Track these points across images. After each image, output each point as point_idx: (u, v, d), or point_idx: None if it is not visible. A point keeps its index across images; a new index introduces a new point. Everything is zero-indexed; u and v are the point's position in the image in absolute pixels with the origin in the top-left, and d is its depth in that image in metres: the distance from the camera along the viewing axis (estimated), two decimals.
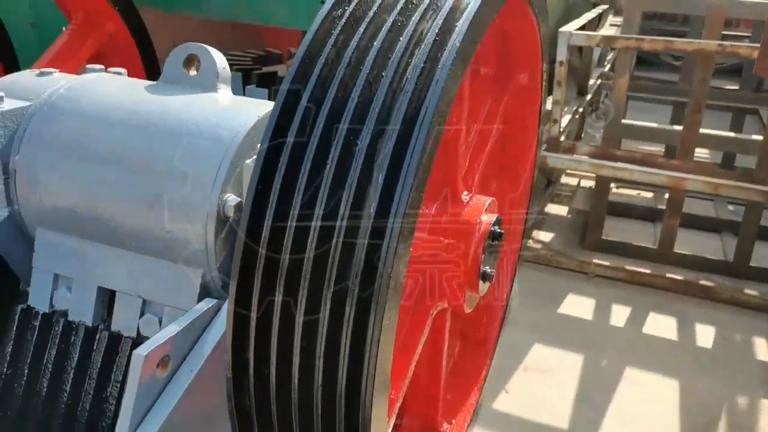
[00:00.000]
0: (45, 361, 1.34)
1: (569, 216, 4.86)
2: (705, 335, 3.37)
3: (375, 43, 0.87)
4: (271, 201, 0.84)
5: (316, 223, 0.80)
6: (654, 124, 4.35)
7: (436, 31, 0.87)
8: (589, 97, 5.41)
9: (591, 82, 5.55)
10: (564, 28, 3.81)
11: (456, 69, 0.84)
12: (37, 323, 1.37)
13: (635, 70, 7.07)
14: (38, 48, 2.50)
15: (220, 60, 1.40)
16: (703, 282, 3.74)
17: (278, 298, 0.87)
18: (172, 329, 1.09)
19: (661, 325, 3.44)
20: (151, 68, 1.91)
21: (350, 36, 0.89)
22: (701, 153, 5.42)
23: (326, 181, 0.81)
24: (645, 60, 8.13)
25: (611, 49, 5.52)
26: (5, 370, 1.36)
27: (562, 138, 4.18)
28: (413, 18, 0.89)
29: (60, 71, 1.50)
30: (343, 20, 0.90)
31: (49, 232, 1.37)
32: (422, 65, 0.84)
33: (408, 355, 1.15)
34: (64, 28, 2.07)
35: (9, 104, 1.37)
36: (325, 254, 0.80)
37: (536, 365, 3.07)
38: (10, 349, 1.36)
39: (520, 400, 2.81)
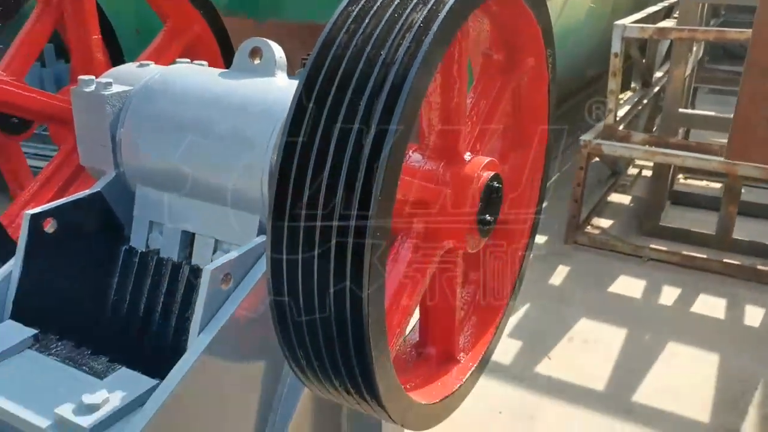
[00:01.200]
0: (143, 288, 1.70)
1: (631, 205, 4.95)
2: (753, 316, 3.44)
3: (376, 31, 1.15)
4: (297, 149, 1.14)
5: (328, 159, 1.09)
6: (710, 113, 4.40)
7: (421, 19, 1.14)
8: (656, 89, 5.46)
9: (658, 74, 5.58)
10: (619, 21, 3.94)
11: (434, 48, 1.12)
12: (136, 260, 1.73)
13: (722, 63, 6.96)
14: (142, 50, 2.93)
15: (278, 51, 1.72)
16: (759, 267, 3.78)
17: (301, 236, 1.15)
18: (233, 254, 1.42)
19: (709, 306, 3.53)
20: (229, 62, 2.26)
21: (359, 25, 1.17)
22: None
23: (335, 132, 1.10)
24: (734, 53, 7.76)
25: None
26: (113, 296, 1.73)
27: (620, 127, 4.31)
28: (406, 10, 1.16)
29: (155, 64, 1.86)
30: (354, 14, 1.18)
31: (146, 188, 1.73)
32: (408, 45, 1.11)
33: (415, 285, 1.43)
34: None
35: (116, 88, 1.73)
36: (333, 184, 1.09)
37: (580, 336, 3.25)
38: (116, 280, 1.73)
39: (561, 366, 3.01)
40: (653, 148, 3.95)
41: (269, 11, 3.64)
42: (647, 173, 5.17)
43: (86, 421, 1.22)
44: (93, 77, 1.74)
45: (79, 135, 1.79)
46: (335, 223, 1.10)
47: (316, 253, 1.14)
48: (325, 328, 1.19)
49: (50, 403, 1.28)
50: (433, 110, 1.45)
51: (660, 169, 4.36)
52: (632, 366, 3.01)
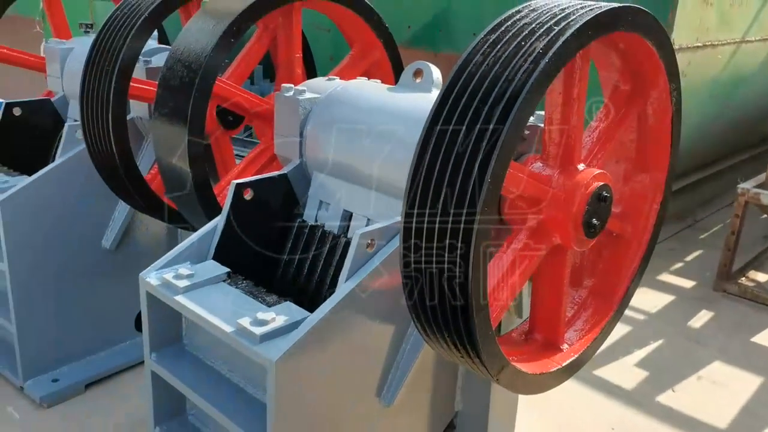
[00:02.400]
0: (308, 252, 2.11)
1: None
2: None
3: (504, 54, 1.45)
4: (434, 139, 1.47)
5: (454, 151, 1.41)
6: None
7: (541, 47, 1.42)
8: None
9: None
10: None
11: (548, 69, 1.40)
12: (306, 230, 2.16)
13: None
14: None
15: (436, 72, 2.08)
16: None
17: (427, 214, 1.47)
18: (378, 225, 1.78)
19: None
20: None
21: (492, 49, 1.48)
22: None
23: (467, 126, 1.42)
24: None
25: None
26: (285, 254, 2.17)
27: None
28: (531, 40, 1.45)
29: (340, 79, 2.31)
30: (490, 41, 1.49)
31: (321, 174, 2.16)
32: (527, 66, 1.40)
33: (523, 270, 1.70)
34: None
35: (308, 95, 2.18)
36: (456, 168, 1.40)
37: (710, 377, 3.23)
38: (290, 243, 2.17)
39: (683, 400, 3.03)
40: None
41: (444, 44, 4.07)
42: None
43: (258, 330, 1.63)
44: (292, 85, 2.21)
45: (276, 130, 2.27)
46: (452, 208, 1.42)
47: (436, 227, 1.45)
48: (441, 295, 1.50)
49: (234, 316, 1.71)
50: (554, 126, 1.72)
51: None
52: (761, 412, 2.96)
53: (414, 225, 1.50)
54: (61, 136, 3.11)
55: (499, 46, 1.49)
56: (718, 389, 3.13)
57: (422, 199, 1.48)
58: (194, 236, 2.04)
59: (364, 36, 2.62)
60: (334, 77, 2.33)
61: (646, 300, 3.95)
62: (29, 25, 5.01)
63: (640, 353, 3.41)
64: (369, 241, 1.75)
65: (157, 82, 2.25)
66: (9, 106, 2.98)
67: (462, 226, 1.42)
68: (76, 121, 2.98)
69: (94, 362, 2.94)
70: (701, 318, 3.83)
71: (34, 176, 2.64)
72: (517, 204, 1.71)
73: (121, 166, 2.43)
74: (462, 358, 1.63)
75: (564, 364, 1.90)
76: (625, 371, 3.22)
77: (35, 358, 2.79)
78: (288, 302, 1.80)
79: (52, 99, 3.17)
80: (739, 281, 4.26)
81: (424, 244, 1.50)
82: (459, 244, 1.43)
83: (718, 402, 3.02)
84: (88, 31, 3.36)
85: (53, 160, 2.92)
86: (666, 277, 4.34)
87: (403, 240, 1.54)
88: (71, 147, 2.73)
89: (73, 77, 3.09)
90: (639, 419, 2.87)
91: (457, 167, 1.42)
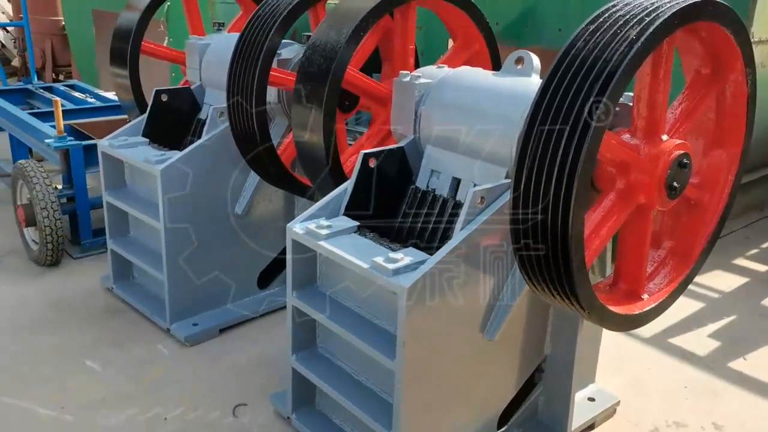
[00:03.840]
0: (421, 212, 2.45)
1: None
2: None
3: (603, 39, 1.74)
4: (539, 116, 1.77)
5: (559, 118, 1.71)
6: None
7: (634, 34, 1.70)
8: None
9: None
10: None
11: (639, 52, 1.67)
12: (419, 195, 2.49)
13: None
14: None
15: (536, 60, 2.37)
16: None
17: (535, 172, 1.77)
18: (487, 185, 2.10)
19: None
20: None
21: (592, 37, 1.77)
22: None
23: (566, 102, 1.71)
24: None
25: None
26: (400, 217, 2.51)
27: None
28: (626, 28, 1.73)
29: (448, 66, 2.63)
30: (591, 29, 1.78)
31: (432, 147, 2.49)
32: (622, 49, 1.69)
33: (613, 223, 1.98)
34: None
35: (422, 79, 2.52)
36: (560, 134, 1.70)
37: None
38: (404, 206, 2.51)
39: (754, 366, 3.20)
40: None
41: (531, 40, 4.34)
42: None
43: (391, 266, 1.98)
44: (409, 72, 2.56)
45: (393, 109, 2.61)
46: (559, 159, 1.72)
47: (541, 189, 1.76)
48: (544, 238, 1.80)
49: (369, 256, 2.07)
50: (642, 102, 1.99)
51: None
52: None
53: (524, 174, 1.80)
54: (198, 118, 3.59)
55: (598, 34, 1.78)
56: None
57: (533, 150, 1.78)
58: (328, 197, 2.42)
59: (467, 30, 2.94)
60: (443, 65, 2.66)
61: (721, 281, 4.10)
62: (154, 24, 5.57)
63: (714, 326, 3.58)
64: (481, 198, 2.07)
65: (287, 72, 2.63)
66: (158, 93, 3.46)
67: (566, 175, 1.71)
68: (211, 105, 3.42)
69: (227, 311, 3.38)
70: None
71: (186, 150, 3.09)
72: (608, 170, 1.99)
73: (261, 143, 2.84)
74: (559, 295, 1.93)
75: (644, 310, 2.17)
76: (700, 340, 3.41)
77: (179, 306, 3.25)
78: (411, 247, 2.15)
79: (192, 87, 3.63)
80: None
81: (532, 191, 1.80)
82: (563, 192, 1.73)
83: None
84: (220, 29, 3.81)
85: (195, 138, 3.40)
86: (741, 262, 4.46)
87: (513, 190, 1.84)
88: (214, 127, 3.16)
89: (211, 68, 3.54)
90: (711, 380, 3.07)
91: (563, 127, 1.72)
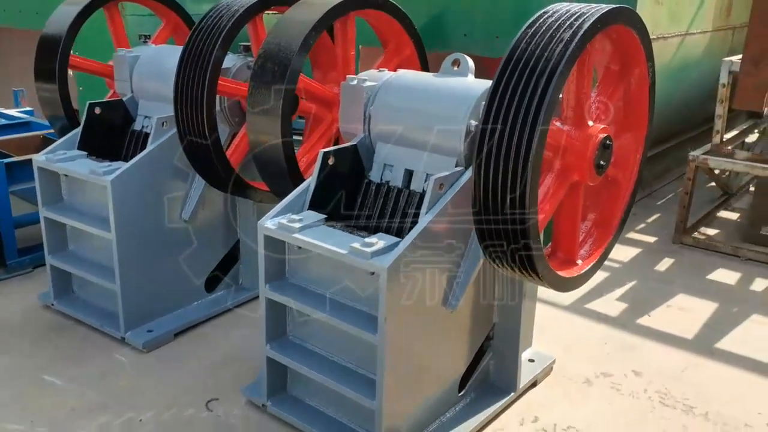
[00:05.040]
0: (377, 203, 2.65)
1: (737, 220, 5.41)
2: None
3: (542, 40, 2.03)
4: (494, 110, 2.03)
5: (511, 111, 1.97)
6: None
7: (568, 36, 2.00)
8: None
9: None
10: (727, 58, 4.56)
11: (574, 51, 1.98)
12: (373, 188, 2.69)
13: None
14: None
15: (470, 62, 2.64)
16: None
17: (492, 158, 2.03)
18: (445, 173, 2.33)
19: None
20: None
21: (533, 38, 2.06)
22: None
23: (516, 95, 1.98)
24: None
25: None
26: (357, 211, 2.70)
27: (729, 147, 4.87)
28: (560, 31, 2.03)
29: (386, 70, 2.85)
30: (530, 33, 2.07)
31: (383, 144, 2.70)
32: (560, 49, 1.98)
33: (554, 199, 2.28)
34: None
35: (368, 83, 2.72)
36: (515, 120, 1.96)
37: (677, 305, 3.87)
38: (359, 200, 2.70)
39: (658, 321, 3.66)
40: (753, 163, 4.49)
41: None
42: None
43: (369, 249, 2.17)
44: (355, 76, 2.75)
45: (342, 111, 2.79)
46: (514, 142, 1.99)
47: (500, 167, 2.02)
48: (503, 204, 2.06)
49: (345, 243, 2.25)
50: (571, 94, 2.30)
51: (764, 185, 4.85)
52: (718, 326, 3.60)
53: (485, 147, 2.06)
54: (132, 129, 3.59)
55: (538, 36, 2.06)
56: (683, 313, 3.78)
57: (491, 133, 2.04)
58: (292, 195, 2.56)
59: (397, 36, 3.18)
60: (383, 69, 2.88)
61: (620, 253, 4.59)
62: None
63: (620, 291, 4.04)
64: (440, 185, 2.31)
65: (231, 80, 2.73)
66: (92, 106, 3.43)
67: (523, 149, 1.98)
68: (149, 116, 3.45)
69: (179, 316, 3.41)
70: (665, 264, 4.49)
71: (134, 159, 3.10)
72: (547, 153, 2.29)
73: (213, 151, 2.93)
74: (516, 265, 2.20)
75: (581, 272, 2.49)
76: (611, 304, 3.85)
77: (133, 314, 3.25)
78: (381, 233, 2.35)
79: (123, 99, 3.62)
80: (693, 235, 4.95)
81: (492, 162, 2.05)
82: (520, 164, 1.99)
83: (684, 322, 3.65)
84: (146, 41, 3.82)
85: (134, 148, 3.42)
86: (632, 235, 5.00)
87: (476, 157, 2.08)
88: (158, 136, 3.20)
89: (143, 80, 3.56)
90: (626, 336, 3.49)
91: (516, 117, 1.99)
